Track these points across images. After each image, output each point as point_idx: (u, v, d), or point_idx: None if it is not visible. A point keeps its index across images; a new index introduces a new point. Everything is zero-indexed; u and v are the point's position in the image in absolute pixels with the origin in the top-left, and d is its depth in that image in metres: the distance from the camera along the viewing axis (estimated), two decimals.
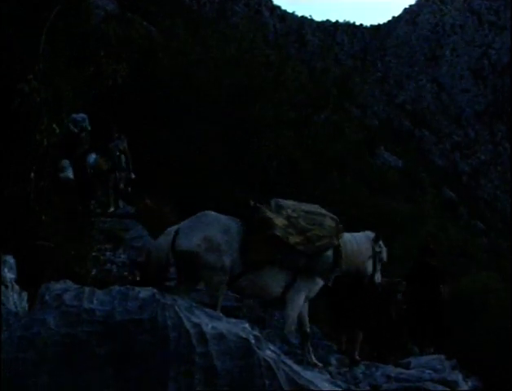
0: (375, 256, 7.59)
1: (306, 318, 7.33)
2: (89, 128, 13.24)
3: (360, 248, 7.45)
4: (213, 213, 6.90)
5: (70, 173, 11.48)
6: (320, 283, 7.17)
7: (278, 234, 6.75)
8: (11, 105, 8.52)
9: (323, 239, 6.95)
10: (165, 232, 6.86)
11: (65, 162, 11.45)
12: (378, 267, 7.68)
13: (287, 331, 7.21)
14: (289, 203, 7.23)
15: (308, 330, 7.38)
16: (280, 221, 6.86)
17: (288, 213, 6.97)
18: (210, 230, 6.63)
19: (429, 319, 11.25)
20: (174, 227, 6.81)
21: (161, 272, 6.73)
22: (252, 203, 7.13)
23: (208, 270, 6.54)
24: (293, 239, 6.82)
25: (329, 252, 7.04)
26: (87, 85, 9.80)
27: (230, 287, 6.93)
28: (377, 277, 7.73)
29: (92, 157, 13.23)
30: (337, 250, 7.12)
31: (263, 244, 6.73)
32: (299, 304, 7.02)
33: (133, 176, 15.04)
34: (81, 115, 12.93)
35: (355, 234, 7.60)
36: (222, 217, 6.84)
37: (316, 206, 7.39)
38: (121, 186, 14.97)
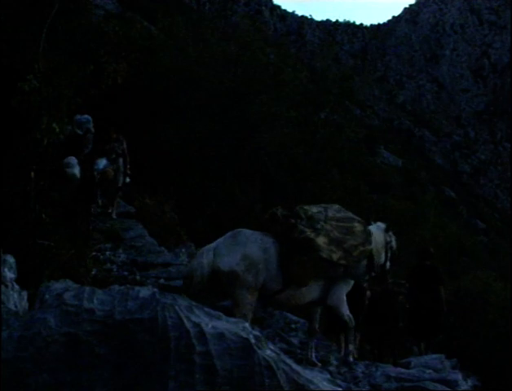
0: (387, 245, 7.87)
1: (318, 316, 7.52)
2: (93, 130, 13.23)
3: (378, 242, 7.65)
4: (247, 230, 6.88)
5: (77, 171, 11.33)
6: (352, 282, 7.42)
7: (324, 256, 6.88)
8: (11, 104, 8.52)
9: (358, 248, 7.13)
10: (201, 251, 6.79)
11: (72, 159, 11.30)
12: (389, 254, 7.96)
13: (351, 326, 7.33)
14: (316, 210, 7.26)
15: (317, 327, 7.56)
16: (321, 240, 6.93)
17: (323, 227, 7.04)
18: (249, 249, 6.63)
19: (428, 320, 11.31)
20: (211, 246, 6.73)
21: (202, 292, 6.61)
22: (279, 212, 7.14)
23: (243, 290, 6.54)
24: (336, 255, 6.96)
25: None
26: (87, 84, 9.79)
27: (267, 303, 7.04)
28: (388, 265, 8.01)
29: (102, 163, 13.15)
30: (370, 255, 7.40)
31: (309, 265, 6.83)
32: (345, 303, 7.26)
33: (127, 180, 14.55)
34: (86, 116, 12.78)
35: (371, 228, 7.71)
36: (258, 235, 6.84)
37: (338, 207, 7.53)
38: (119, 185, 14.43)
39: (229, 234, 6.84)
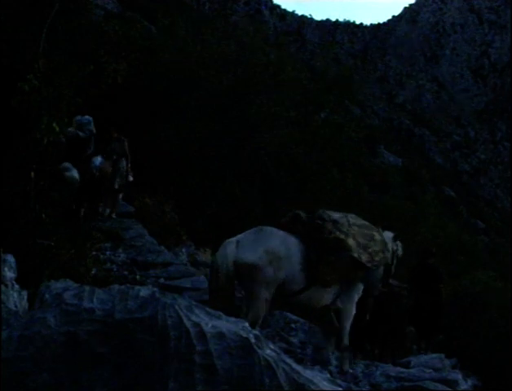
0: (393, 253, 8.22)
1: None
2: (94, 131, 13.22)
3: (388, 250, 7.90)
4: (271, 227, 6.90)
5: (76, 174, 11.42)
6: (362, 289, 7.53)
7: (355, 255, 7.03)
8: (11, 103, 8.52)
9: (379, 254, 7.35)
10: (224, 244, 6.72)
11: (67, 163, 11.37)
12: (395, 261, 8.33)
13: (345, 343, 7.38)
14: (337, 216, 7.35)
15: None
16: (351, 241, 7.07)
17: (348, 230, 7.16)
18: (272, 244, 6.63)
19: (428, 319, 11.34)
20: (234, 239, 6.71)
21: (229, 283, 6.61)
22: (303, 216, 7.19)
23: (262, 284, 6.53)
24: (364, 257, 7.14)
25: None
26: (87, 84, 9.79)
27: (285, 303, 7.06)
28: (392, 270, 8.46)
29: (98, 160, 13.09)
30: (387, 263, 7.74)
31: (338, 265, 6.94)
32: (353, 314, 7.38)
33: (131, 178, 14.61)
34: (87, 117, 12.63)
35: None
36: (282, 232, 6.85)
37: (354, 215, 7.64)
38: (116, 187, 14.28)
39: (253, 229, 6.85)
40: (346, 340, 7.36)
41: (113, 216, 14.10)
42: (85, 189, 11.91)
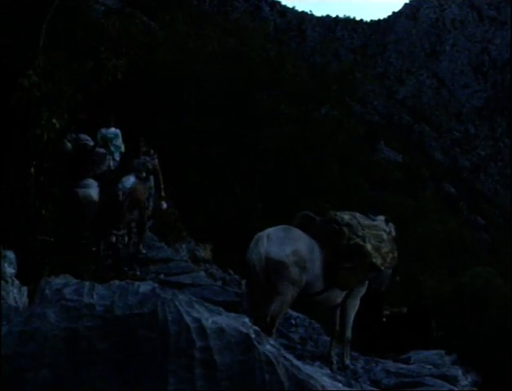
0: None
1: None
2: (122, 148, 12.16)
3: (395, 249, 8.05)
4: (296, 228, 7.05)
5: (94, 192, 9.62)
6: (365, 288, 7.72)
7: (374, 260, 7.29)
8: (11, 100, 8.52)
9: (389, 255, 7.58)
10: (256, 238, 6.85)
11: (89, 180, 9.76)
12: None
13: (348, 336, 7.54)
14: (348, 217, 7.47)
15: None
16: (369, 246, 7.29)
17: (363, 234, 7.34)
18: (300, 246, 6.79)
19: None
20: (264, 233, 6.84)
21: (266, 277, 6.71)
22: (318, 219, 7.31)
23: (288, 283, 6.66)
24: (379, 261, 7.37)
25: None
26: (87, 81, 9.78)
27: (305, 301, 7.39)
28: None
29: (130, 180, 10.45)
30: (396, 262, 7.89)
31: (358, 270, 7.19)
32: (356, 308, 7.60)
33: (165, 205, 11.97)
34: (113, 130, 12.22)
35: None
36: (306, 236, 7.01)
37: (359, 214, 7.77)
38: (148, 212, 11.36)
39: (281, 226, 7.00)
40: (348, 334, 7.52)
41: (142, 250, 11.56)
42: (102, 213, 9.66)
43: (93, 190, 9.58)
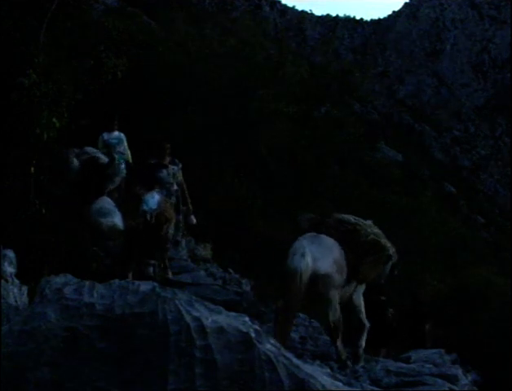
0: None
1: None
2: (129, 154, 11.07)
3: None
4: (323, 235, 7.43)
5: (118, 220, 8.46)
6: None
7: (391, 254, 7.85)
8: (10, 99, 8.51)
9: (392, 249, 7.99)
10: (298, 253, 7.10)
11: (106, 202, 8.68)
12: None
13: (367, 325, 7.89)
14: (352, 218, 7.89)
15: None
16: (383, 240, 7.81)
17: (372, 231, 7.81)
18: (335, 253, 7.30)
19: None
20: (303, 248, 7.12)
21: (305, 289, 7.05)
22: (331, 221, 7.68)
23: (335, 289, 7.21)
24: (392, 253, 7.93)
25: None
26: (87, 79, 9.77)
27: None
28: None
29: (155, 198, 9.03)
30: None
31: (378, 263, 7.75)
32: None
33: (194, 220, 10.49)
34: (116, 134, 11.27)
35: None
36: (332, 240, 7.42)
37: (352, 216, 8.17)
38: (170, 233, 9.73)
39: (309, 238, 7.36)
40: (366, 322, 7.88)
41: (169, 276, 9.98)
42: (134, 243, 8.54)
43: (117, 217, 8.45)
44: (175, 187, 9.95)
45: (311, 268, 7.00)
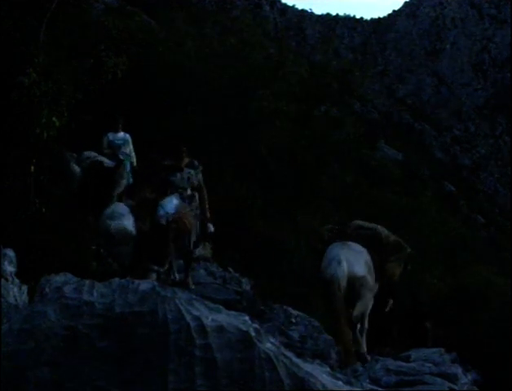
0: None
1: None
2: (134, 157, 10.86)
3: None
4: (351, 242, 7.91)
5: (129, 223, 8.05)
6: None
7: (411, 251, 8.56)
8: (10, 98, 8.51)
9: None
10: (329, 262, 7.59)
11: (120, 207, 8.40)
12: None
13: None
14: (367, 223, 8.46)
15: None
16: (401, 241, 8.41)
17: (385, 232, 8.32)
18: (366, 257, 7.82)
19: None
20: (338, 256, 7.59)
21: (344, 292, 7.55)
22: (351, 229, 8.17)
23: (368, 289, 7.77)
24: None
25: None
26: (87, 79, 9.76)
27: None
28: None
29: (173, 202, 8.61)
30: None
31: (401, 261, 8.37)
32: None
33: (212, 228, 9.64)
34: (121, 134, 11.12)
35: None
36: (359, 245, 7.91)
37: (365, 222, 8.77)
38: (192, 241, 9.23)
39: (340, 246, 7.83)
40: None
41: (191, 285, 9.27)
42: (143, 248, 8.05)
43: (127, 220, 8.00)
44: (189, 192, 9.26)
45: (347, 273, 7.47)
